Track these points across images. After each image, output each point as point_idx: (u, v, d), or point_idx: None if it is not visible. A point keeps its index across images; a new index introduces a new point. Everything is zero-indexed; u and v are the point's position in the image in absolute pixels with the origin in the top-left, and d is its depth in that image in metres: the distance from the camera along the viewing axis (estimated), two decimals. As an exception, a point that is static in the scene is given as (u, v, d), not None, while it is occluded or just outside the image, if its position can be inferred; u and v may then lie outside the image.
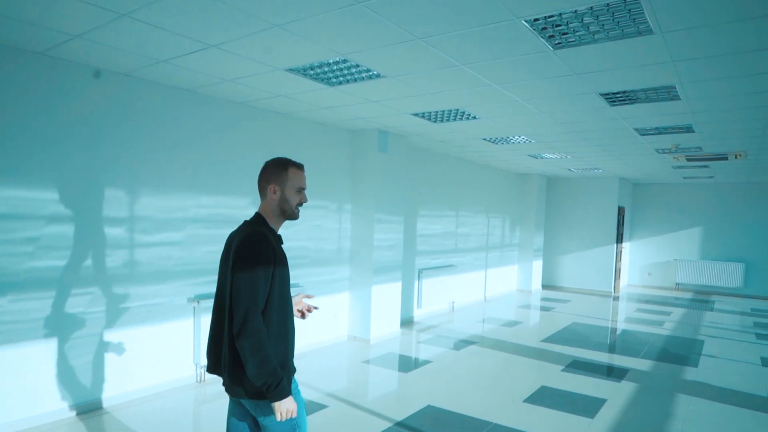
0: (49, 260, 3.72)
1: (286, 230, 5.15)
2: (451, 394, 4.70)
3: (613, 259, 11.53)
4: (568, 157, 8.34)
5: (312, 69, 3.90)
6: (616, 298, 11.14)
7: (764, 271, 11.41)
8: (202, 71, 3.98)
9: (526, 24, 2.88)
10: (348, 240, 6.54)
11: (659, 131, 5.84)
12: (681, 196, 12.36)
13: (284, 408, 1.95)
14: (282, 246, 2.14)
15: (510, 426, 4.01)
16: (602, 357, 6.17)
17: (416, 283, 7.94)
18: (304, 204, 2.20)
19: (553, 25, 2.91)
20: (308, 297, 2.49)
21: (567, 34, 3.02)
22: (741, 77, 3.76)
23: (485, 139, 6.87)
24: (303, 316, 2.45)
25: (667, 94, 4.26)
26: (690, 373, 5.58)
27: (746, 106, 4.57)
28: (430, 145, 7.53)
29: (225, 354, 2.02)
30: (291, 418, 2.01)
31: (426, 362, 5.75)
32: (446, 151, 8.19)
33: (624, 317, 9.00)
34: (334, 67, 3.86)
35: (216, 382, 4.81)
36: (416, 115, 5.39)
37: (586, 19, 2.82)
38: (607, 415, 4.32)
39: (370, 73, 3.97)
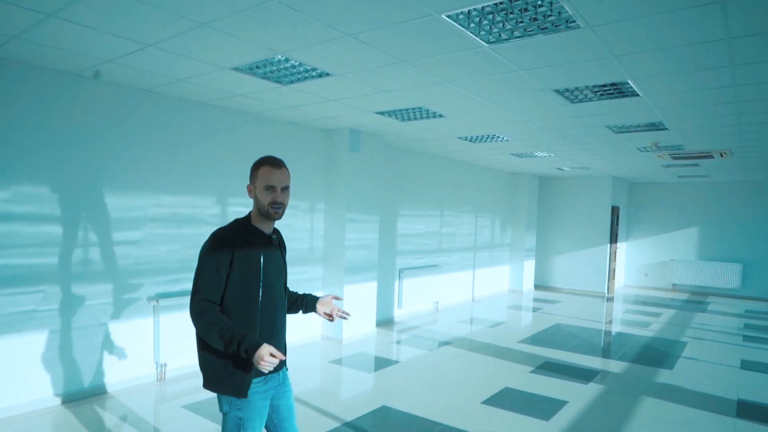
0: (-4, 259, 3.76)
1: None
2: (410, 395, 4.66)
3: (606, 260, 11.37)
4: (552, 155, 8.24)
5: (258, 68, 3.88)
6: (609, 299, 10.99)
7: (762, 272, 11.17)
8: (151, 70, 3.99)
9: (449, 19, 2.83)
10: (321, 240, 6.53)
11: (632, 129, 5.73)
12: (678, 195, 12.15)
13: (258, 358, 1.89)
14: (279, 245, 2.26)
15: (460, 428, 3.95)
16: (576, 358, 6.08)
17: (397, 283, 7.90)
18: (280, 203, 2.11)
19: (479, 20, 2.86)
20: (337, 299, 2.50)
21: (495, 29, 2.97)
22: (697, 71, 3.67)
23: (461, 138, 6.81)
24: (331, 318, 2.48)
25: (624, 90, 4.17)
26: (663, 376, 5.47)
27: (712, 102, 4.46)
28: (410, 144, 7.49)
29: None
30: (238, 417, 2.05)
31: (394, 363, 5.71)
32: (428, 150, 8.15)
33: (611, 318, 8.87)
34: (280, 66, 3.84)
35: (176, 381, 4.83)
36: (381, 113, 5.36)
37: (510, 13, 2.77)
38: (565, 417, 4.25)
39: (318, 72, 3.95)
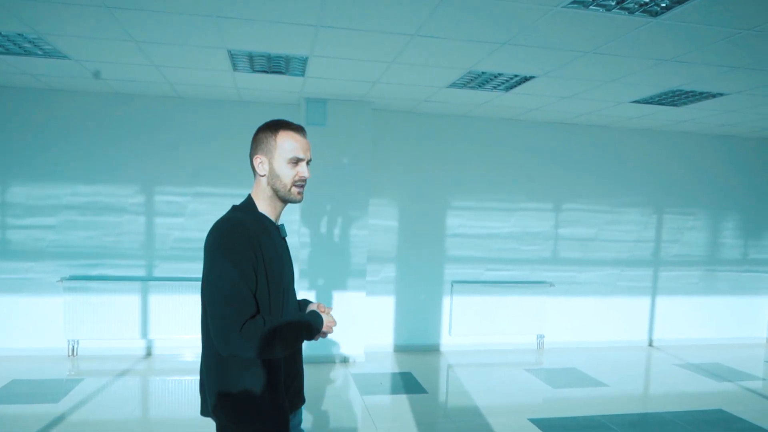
0: None
1: (183, 220, 4.97)
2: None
3: None
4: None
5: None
6: None
7: None
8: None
9: None
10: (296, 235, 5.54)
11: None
12: None
13: (326, 332, 1.69)
14: (284, 238, 1.72)
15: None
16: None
17: (446, 300, 5.83)
18: (305, 179, 1.65)
19: None
20: (326, 309, 1.76)
21: None
22: None
23: (451, 86, 4.48)
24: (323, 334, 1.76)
25: None
26: None
27: None
28: (449, 109, 5.43)
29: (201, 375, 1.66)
30: None
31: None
32: (476, 114, 5.65)
33: None
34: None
35: (86, 359, 5.04)
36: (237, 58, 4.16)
37: None
38: None
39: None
